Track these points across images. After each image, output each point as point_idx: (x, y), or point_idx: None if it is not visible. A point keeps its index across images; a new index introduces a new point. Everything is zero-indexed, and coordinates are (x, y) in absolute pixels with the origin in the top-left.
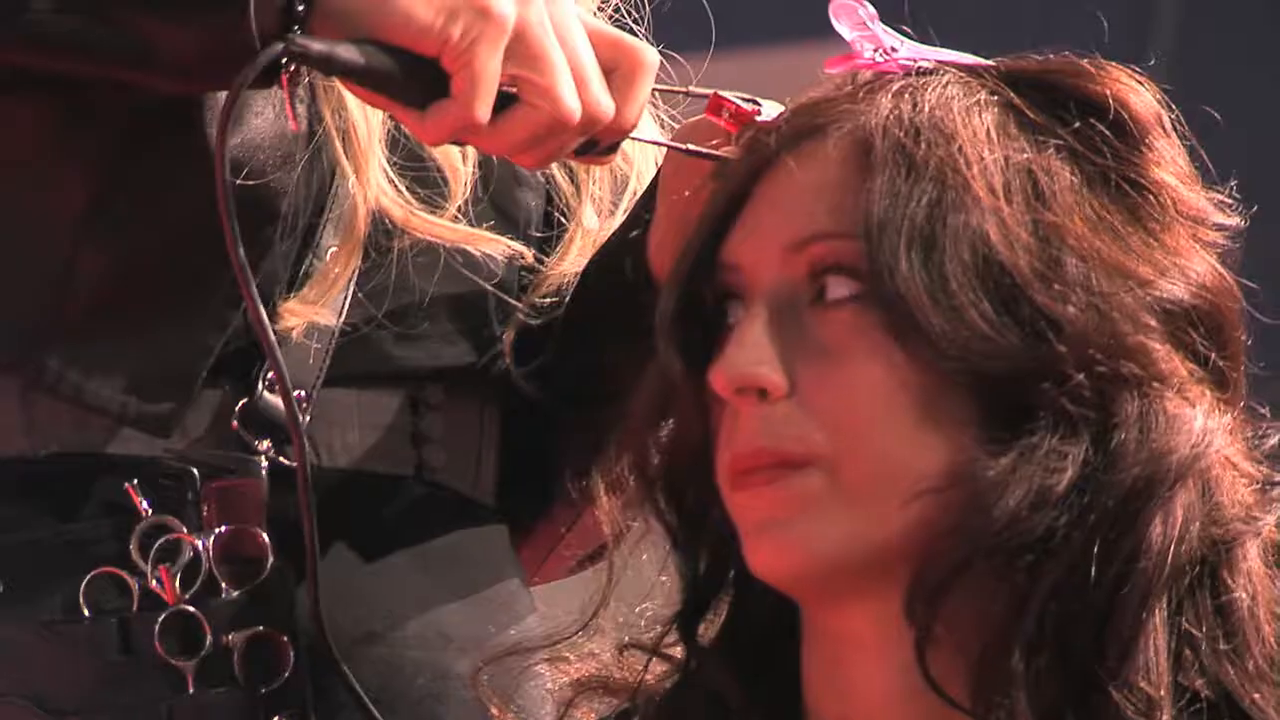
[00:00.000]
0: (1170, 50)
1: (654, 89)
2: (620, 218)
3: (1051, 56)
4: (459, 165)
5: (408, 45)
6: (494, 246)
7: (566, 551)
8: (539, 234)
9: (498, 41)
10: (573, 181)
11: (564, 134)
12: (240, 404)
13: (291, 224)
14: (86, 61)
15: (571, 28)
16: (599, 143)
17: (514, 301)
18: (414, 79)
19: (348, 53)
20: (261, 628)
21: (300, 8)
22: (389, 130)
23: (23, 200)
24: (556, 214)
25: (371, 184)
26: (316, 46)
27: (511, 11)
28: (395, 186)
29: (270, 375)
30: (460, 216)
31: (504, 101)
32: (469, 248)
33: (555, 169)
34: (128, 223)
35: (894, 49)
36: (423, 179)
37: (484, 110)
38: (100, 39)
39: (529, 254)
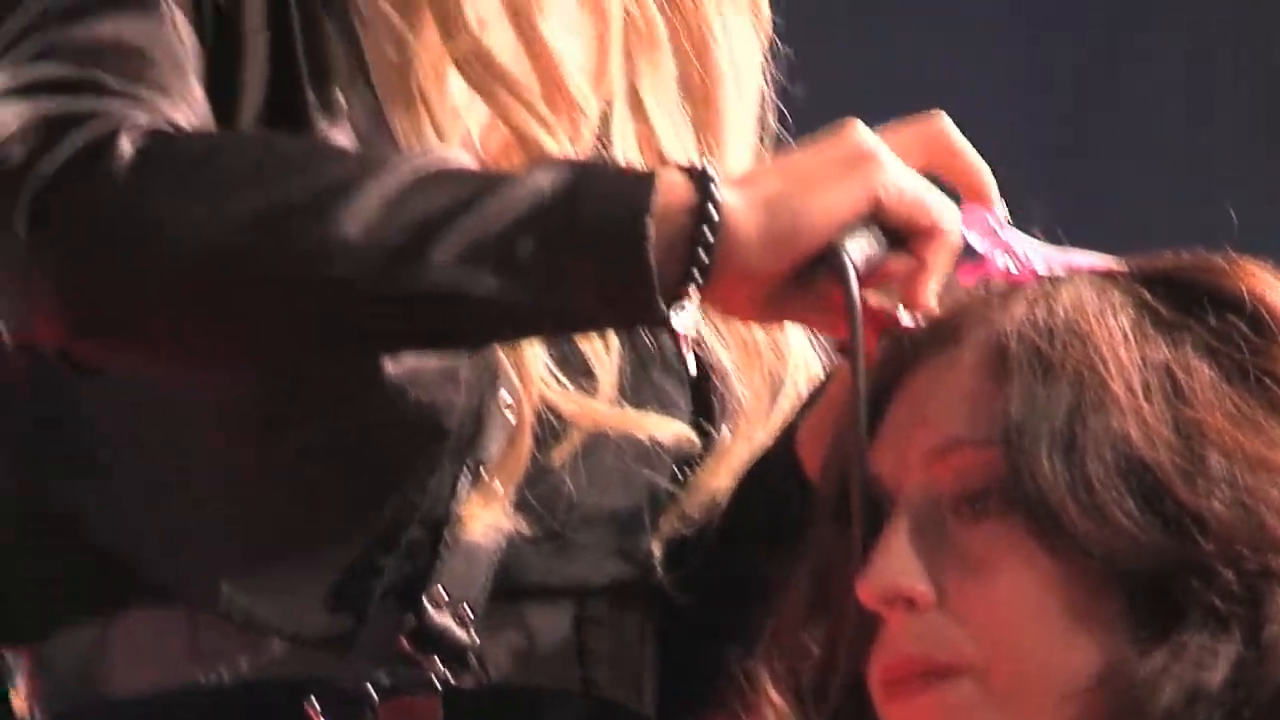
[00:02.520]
0: None
1: None
2: (774, 421)
3: (1184, 254)
4: (604, 355)
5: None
6: (664, 428)
7: None
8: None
9: (887, 172)
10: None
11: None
12: (409, 622)
13: (456, 437)
14: (468, 323)
15: None
16: None
17: (677, 493)
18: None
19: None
20: None
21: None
22: None
23: (188, 430)
24: (707, 423)
25: (534, 379)
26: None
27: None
28: (556, 379)
29: (437, 592)
30: (620, 403)
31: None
32: (638, 435)
33: (712, 378)
34: (295, 449)
35: (1027, 255)
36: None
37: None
38: (500, 295)
39: (695, 438)
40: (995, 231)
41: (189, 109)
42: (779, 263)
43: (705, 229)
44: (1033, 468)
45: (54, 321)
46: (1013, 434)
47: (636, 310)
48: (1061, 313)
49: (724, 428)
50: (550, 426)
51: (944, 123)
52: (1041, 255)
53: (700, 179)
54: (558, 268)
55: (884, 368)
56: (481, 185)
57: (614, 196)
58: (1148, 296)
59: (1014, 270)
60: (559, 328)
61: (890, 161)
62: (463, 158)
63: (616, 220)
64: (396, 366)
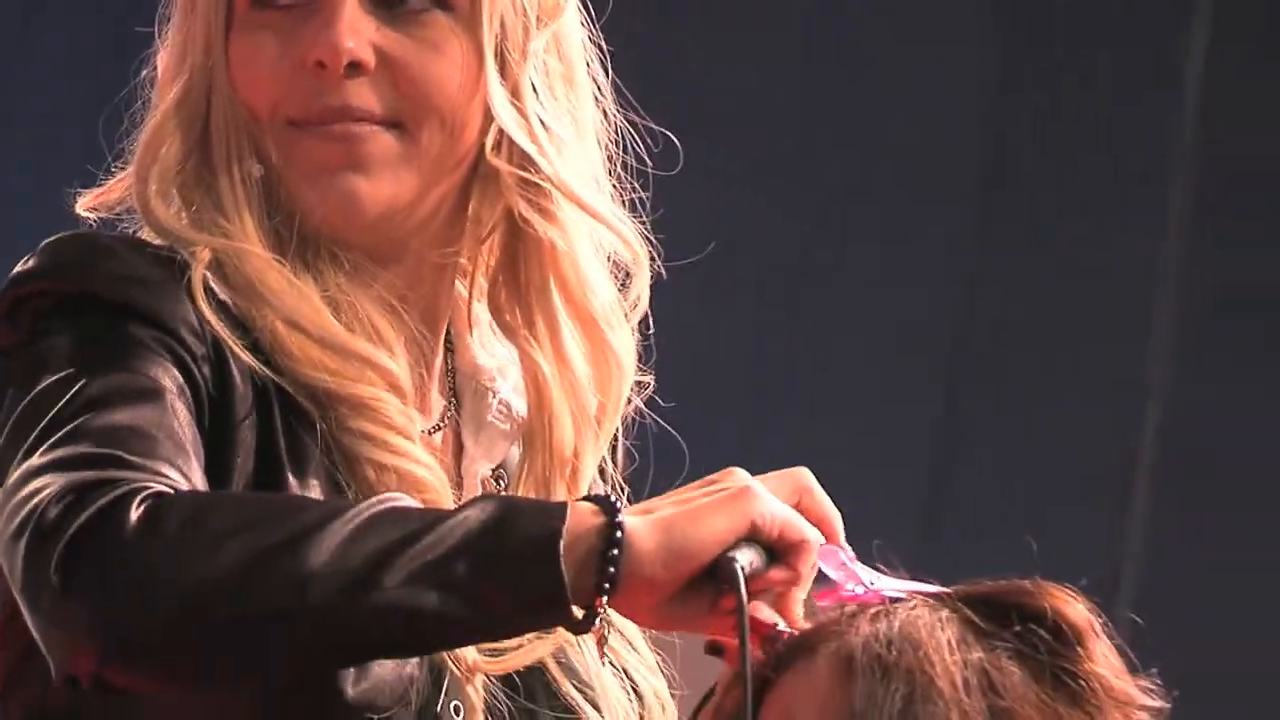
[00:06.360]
0: None
1: None
2: None
3: (1002, 581)
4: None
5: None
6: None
7: None
8: None
9: (762, 501)
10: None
11: None
12: None
13: None
14: (420, 632)
15: None
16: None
17: None
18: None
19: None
20: None
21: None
22: None
23: None
24: None
25: (479, 690)
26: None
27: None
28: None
29: None
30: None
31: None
32: None
33: None
34: None
35: (872, 583)
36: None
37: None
38: (443, 608)
39: None
40: (846, 564)
41: (190, 479)
42: (675, 574)
43: (611, 547)
44: None
45: (86, 654)
46: None
47: (555, 616)
48: (898, 626)
49: None
50: None
51: (807, 474)
52: (884, 582)
53: (606, 507)
54: (488, 585)
55: (755, 678)
56: (424, 521)
57: (533, 524)
58: (970, 614)
59: (861, 594)
60: (493, 633)
61: (764, 494)
62: (409, 501)
63: (535, 543)
64: (355, 689)
